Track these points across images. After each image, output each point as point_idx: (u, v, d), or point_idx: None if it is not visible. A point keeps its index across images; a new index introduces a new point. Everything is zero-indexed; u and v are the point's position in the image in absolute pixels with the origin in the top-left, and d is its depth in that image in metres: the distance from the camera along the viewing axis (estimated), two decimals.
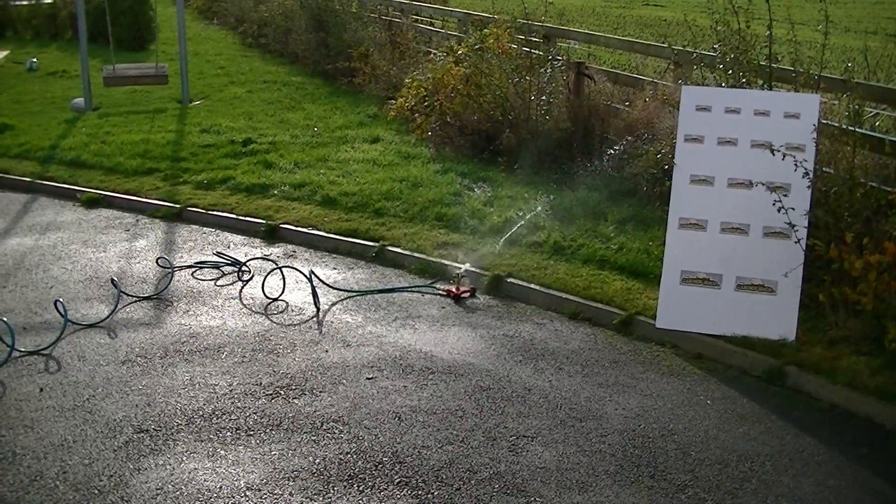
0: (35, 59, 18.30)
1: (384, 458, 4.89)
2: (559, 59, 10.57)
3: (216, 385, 5.71)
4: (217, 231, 8.80)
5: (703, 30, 8.61)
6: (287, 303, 7.08)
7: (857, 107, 6.58)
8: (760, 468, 4.89)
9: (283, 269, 7.41)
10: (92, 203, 9.63)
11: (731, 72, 7.53)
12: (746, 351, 6.07)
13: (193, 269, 7.75)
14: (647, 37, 20.88)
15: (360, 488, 4.63)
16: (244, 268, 7.69)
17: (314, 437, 5.10)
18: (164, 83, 14.08)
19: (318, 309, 6.94)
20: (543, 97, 10.10)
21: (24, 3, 23.57)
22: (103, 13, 14.57)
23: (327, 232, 8.46)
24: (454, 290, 7.19)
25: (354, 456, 4.91)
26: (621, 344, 6.39)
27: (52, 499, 4.52)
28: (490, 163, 10.21)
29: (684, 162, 6.71)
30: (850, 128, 6.53)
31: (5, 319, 6.22)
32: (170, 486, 4.64)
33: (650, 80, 9.55)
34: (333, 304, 7.05)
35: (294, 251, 8.24)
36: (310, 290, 7.07)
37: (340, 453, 4.94)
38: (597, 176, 9.27)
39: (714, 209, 6.53)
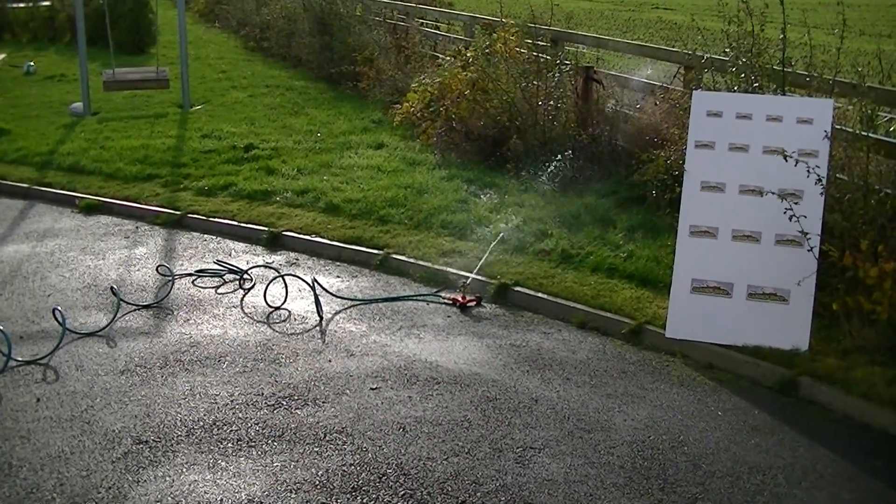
0: (32, 63, 18.29)
1: (388, 470, 4.82)
2: (567, 64, 10.49)
3: (217, 395, 5.63)
4: (218, 238, 8.72)
5: (713, 33, 8.53)
6: (289, 311, 7.00)
7: (870, 111, 6.50)
8: (773, 480, 4.81)
9: (286, 278, 7.33)
10: (91, 209, 9.56)
11: (743, 76, 7.45)
12: (758, 361, 5.99)
13: (194, 277, 7.68)
14: (657, 40, 20.82)
15: (364, 500, 4.56)
16: (246, 276, 7.62)
17: (317, 449, 5.02)
18: (166, 87, 14.03)
19: (321, 318, 6.86)
20: (551, 102, 10.03)
21: (22, 5, 23.55)
22: (103, 16, 14.54)
23: (331, 239, 8.39)
24: (460, 298, 7.10)
25: (358, 468, 4.84)
26: (630, 354, 6.31)
27: None
28: (496, 169, 10.13)
29: (695, 168, 6.62)
30: (864, 133, 6.45)
31: (2, 328, 6.16)
32: (169, 498, 4.57)
33: (660, 84, 9.46)
34: (337, 313, 6.97)
35: (297, 259, 8.17)
36: (313, 298, 6.99)
37: (344, 465, 4.87)
38: (605, 182, 9.18)
39: (725, 216, 6.45)
